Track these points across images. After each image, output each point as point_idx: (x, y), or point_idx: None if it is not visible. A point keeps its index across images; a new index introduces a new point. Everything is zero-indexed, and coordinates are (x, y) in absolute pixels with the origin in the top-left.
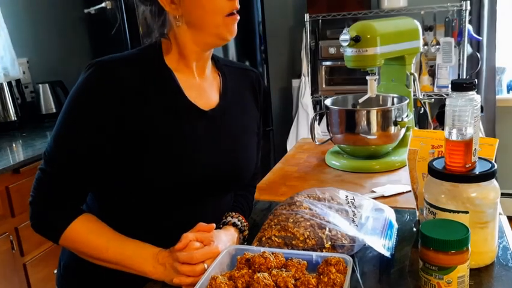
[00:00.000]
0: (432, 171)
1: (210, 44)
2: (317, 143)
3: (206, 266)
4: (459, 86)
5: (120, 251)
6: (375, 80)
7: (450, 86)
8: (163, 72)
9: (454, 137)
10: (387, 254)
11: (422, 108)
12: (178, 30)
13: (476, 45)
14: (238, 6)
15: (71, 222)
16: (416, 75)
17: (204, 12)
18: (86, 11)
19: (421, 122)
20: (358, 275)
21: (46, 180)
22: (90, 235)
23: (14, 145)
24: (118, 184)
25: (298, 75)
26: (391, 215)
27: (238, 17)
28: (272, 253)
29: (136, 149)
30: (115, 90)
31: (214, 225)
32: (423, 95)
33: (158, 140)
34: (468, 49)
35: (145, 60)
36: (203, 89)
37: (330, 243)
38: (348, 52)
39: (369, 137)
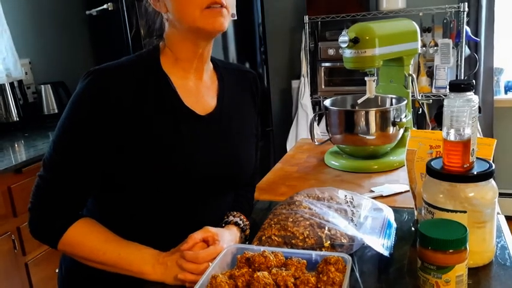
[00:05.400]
0: (431, 171)
1: (195, 39)
2: (316, 143)
3: (210, 264)
4: (457, 86)
5: (118, 252)
6: (373, 81)
7: (448, 86)
8: (160, 78)
9: (452, 138)
10: (386, 253)
11: (420, 109)
12: (169, 29)
13: (474, 47)
14: (222, 1)
15: (69, 227)
16: (414, 76)
17: (181, 6)
18: (88, 12)
19: (419, 122)
20: (357, 274)
21: (45, 187)
22: (87, 238)
23: (16, 145)
24: (118, 187)
25: (298, 76)
26: (390, 214)
27: (224, 11)
28: (272, 252)
29: (135, 154)
30: (113, 98)
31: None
32: (422, 96)
33: (156, 144)
34: (466, 50)
35: (142, 67)
36: (200, 94)
37: (329, 242)
38: (347, 53)
39: (368, 137)
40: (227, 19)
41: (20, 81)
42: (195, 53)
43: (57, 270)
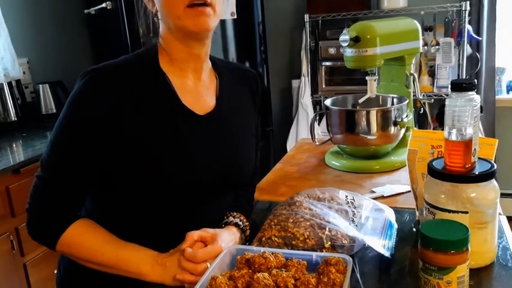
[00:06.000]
0: (432, 172)
1: (185, 40)
2: (317, 143)
3: (208, 265)
4: (459, 86)
5: (116, 253)
6: (374, 81)
7: (450, 86)
8: (158, 77)
9: (453, 137)
10: (387, 254)
11: (422, 109)
12: (162, 29)
13: (476, 46)
14: None
15: (67, 228)
16: (416, 75)
17: (166, 3)
18: (86, 11)
19: (421, 122)
20: (358, 275)
21: (43, 187)
22: (85, 239)
23: (14, 145)
24: (116, 187)
25: (298, 76)
26: (391, 215)
27: (207, 10)
28: (272, 253)
29: (133, 154)
30: (111, 97)
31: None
32: (423, 95)
33: (155, 143)
34: (468, 49)
35: (140, 66)
36: (199, 93)
37: (330, 243)
38: (348, 52)
39: (369, 137)
40: (213, 18)
41: (18, 81)
42: (189, 54)
43: (55, 271)
